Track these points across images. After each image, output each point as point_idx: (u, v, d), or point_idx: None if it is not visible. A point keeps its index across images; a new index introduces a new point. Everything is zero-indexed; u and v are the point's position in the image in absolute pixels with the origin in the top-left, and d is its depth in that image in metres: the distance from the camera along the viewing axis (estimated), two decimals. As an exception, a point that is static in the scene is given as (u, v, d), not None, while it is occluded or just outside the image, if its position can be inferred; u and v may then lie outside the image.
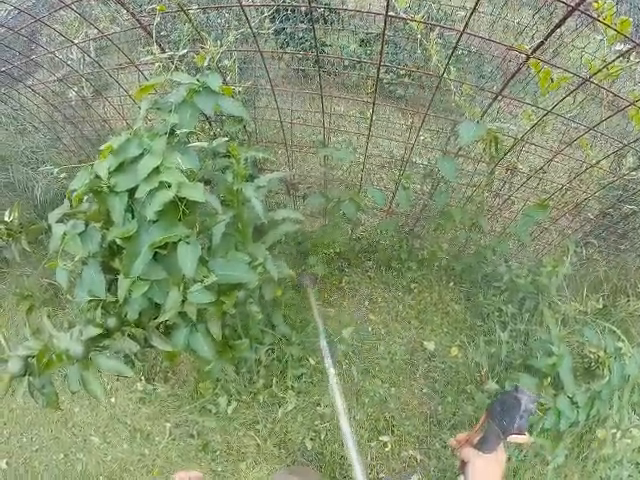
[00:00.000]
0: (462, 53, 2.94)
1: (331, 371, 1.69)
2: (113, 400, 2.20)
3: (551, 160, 1.72)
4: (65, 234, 1.36)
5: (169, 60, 1.47)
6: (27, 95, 2.51)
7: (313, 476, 1.87)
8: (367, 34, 3.21)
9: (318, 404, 2.08)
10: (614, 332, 1.86)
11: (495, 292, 2.24)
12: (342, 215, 2.09)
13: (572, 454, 1.93)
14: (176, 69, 1.56)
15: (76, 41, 2.10)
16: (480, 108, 1.60)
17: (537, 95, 1.61)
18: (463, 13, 2.76)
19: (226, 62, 1.80)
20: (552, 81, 1.39)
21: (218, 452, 2.01)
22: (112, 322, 1.49)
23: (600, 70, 1.33)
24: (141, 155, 1.29)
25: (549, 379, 1.88)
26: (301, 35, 3.10)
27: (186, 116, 1.35)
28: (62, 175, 1.48)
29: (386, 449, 2.01)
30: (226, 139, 1.41)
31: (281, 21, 2.45)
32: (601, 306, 2.08)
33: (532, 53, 1.28)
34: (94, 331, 1.41)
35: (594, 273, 2.30)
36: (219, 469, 1.98)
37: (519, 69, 1.37)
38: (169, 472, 2.01)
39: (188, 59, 2.05)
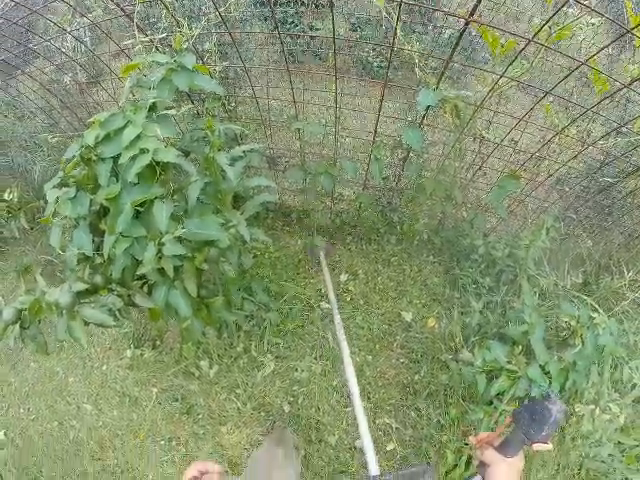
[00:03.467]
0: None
1: (346, 351, 1.87)
2: (104, 368, 2.52)
3: (515, 125, 1.92)
4: (58, 199, 1.70)
5: (151, 44, 1.81)
6: (25, 82, 2.90)
7: (290, 441, 2.15)
8: (358, 18, 3.53)
9: (296, 369, 2.33)
10: (592, 305, 2.00)
11: (472, 265, 2.46)
12: (321, 189, 2.38)
13: (549, 428, 2.12)
14: (157, 51, 1.91)
15: (69, 29, 2.48)
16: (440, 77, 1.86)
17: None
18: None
19: (207, 45, 2.14)
20: (502, 46, 1.65)
21: (201, 415, 2.28)
22: (98, 279, 1.81)
23: (541, 29, 1.51)
24: (124, 126, 1.63)
25: (520, 347, 2.05)
26: (291, 20, 3.43)
27: (164, 92, 1.67)
28: (55, 139, 1.80)
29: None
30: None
31: (269, 6, 2.76)
32: (581, 281, 2.26)
33: (470, 17, 1.48)
34: (82, 286, 1.73)
35: (576, 250, 2.47)
36: (201, 432, 2.25)
37: (461, 35, 1.57)
38: (154, 435, 2.29)
39: (171, 42, 2.39)
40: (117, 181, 1.68)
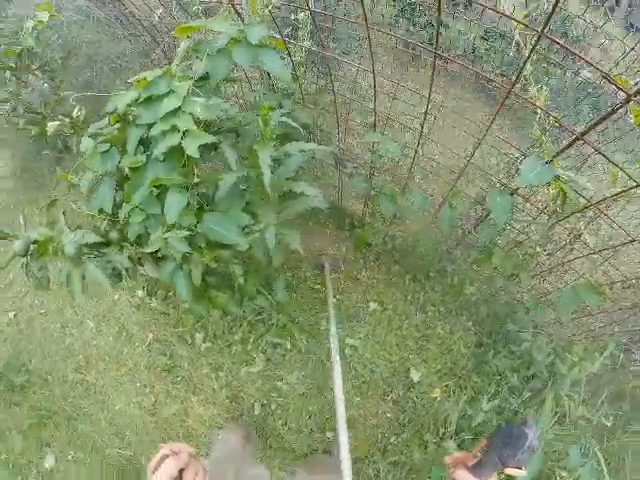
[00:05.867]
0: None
1: (336, 359, 1.68)
2: (117, 297, 2.53)
3: (625, 244, 1.42)
4: (90, 149, 1.50)
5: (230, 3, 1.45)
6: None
7: (254, 439, 2.01)
8: (492, 28, 2.80)
9: (281, 378, 2.19)
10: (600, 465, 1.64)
11: (508, 354, 2.05)
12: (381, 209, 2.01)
13: None
14: (240, 17, 1.56)
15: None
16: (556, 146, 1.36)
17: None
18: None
19: (301, 15, 1.73)
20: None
21: (180, 378, 2.26)
22: (114, 235, 1.66)
23: None
24: (167, 94, 1.35)
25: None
26: (420, 8, 2.79)
27: (220, 65, 1.35)
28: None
29: (323, 445, 2.08)
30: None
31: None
32: (609, 424, 1.86)
33: (636, 95, 1.01)
34: (94, 238, 1.59)
35: (621, 385, 2.01)
36: (173, 392, 2.24)
37: (612, 112, 1.12)
38: (134, 375, 2.32)
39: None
40: (145, 151, 1.43)
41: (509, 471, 0.77)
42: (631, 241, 1.43)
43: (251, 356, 2.21)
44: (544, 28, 1.06)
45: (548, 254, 1.79)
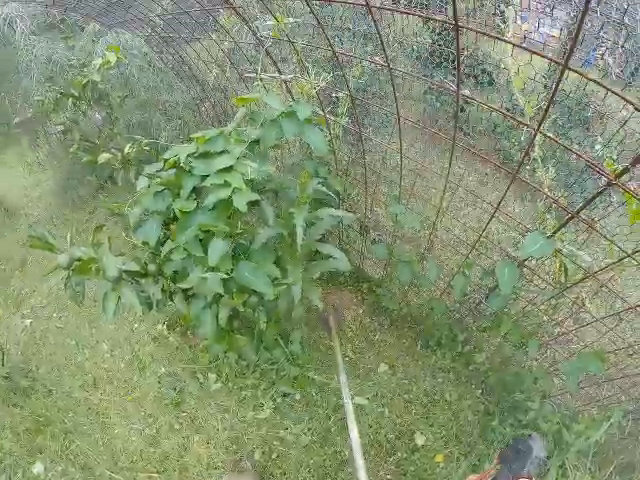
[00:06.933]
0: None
1: (349, 407, 1.81)
2: (136, 326, 2.70)
3: (624, 311, 1.58)
4: (145, 188, 1.75)
5: (283, 81, 1.76)
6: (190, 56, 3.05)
7: None
8: (515, 106, 3.15)
9: (286, 428, 2.26)
10: None
11: (514, 422, 2.12)
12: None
13: None
14: (288, 90, 1.88)
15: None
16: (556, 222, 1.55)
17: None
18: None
19: (341, 94, 2.05)
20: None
21: (185, 414, 2.36)
22: (152, 268, 1.88)
23: None
24: (222, 152, 1.62)
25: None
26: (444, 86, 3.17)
27: (270, 134, 1.63)
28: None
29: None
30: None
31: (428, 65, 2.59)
32: None
33: (617, 178, 1.19)
34: (134, 267, 1.81)
35: (630, 455, 2.03)
36: (176, 427, 2.33)
37: (598, 194, 1.31)
38: (139, 404, 2.43)
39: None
40: (197, 197, 1.68)
41: None
42: (629, 308, 1.58)
43: (260, 402, 2.31)
44: (540, 124, 1.29)
45: (555, 323, 1.94)
